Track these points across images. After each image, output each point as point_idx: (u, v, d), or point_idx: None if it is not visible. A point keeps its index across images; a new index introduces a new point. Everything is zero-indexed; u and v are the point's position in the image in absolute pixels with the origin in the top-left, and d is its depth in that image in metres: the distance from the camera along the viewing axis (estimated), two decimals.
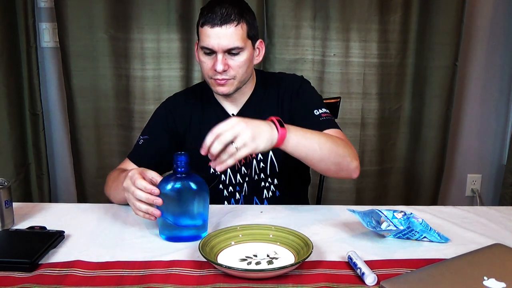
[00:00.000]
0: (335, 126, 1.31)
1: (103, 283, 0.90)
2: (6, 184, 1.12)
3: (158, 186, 1.05)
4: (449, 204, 1.44)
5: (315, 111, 1.32)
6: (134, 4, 2.21)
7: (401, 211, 1.10)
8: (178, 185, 1.05)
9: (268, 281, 0.90)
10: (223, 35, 1.22)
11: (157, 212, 1.03)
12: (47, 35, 2.37)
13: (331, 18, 2.26)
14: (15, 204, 1.17)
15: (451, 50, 2.31)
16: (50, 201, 2.44)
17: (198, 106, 1.41)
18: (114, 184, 1.28)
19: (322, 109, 1.33)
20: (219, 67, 1.24)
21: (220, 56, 1.24)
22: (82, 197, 2.39)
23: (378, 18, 2.27)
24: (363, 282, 0.90)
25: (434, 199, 2.51)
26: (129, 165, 1.37)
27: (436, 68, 2.34)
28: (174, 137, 1.41)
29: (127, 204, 1.11)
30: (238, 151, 1.00)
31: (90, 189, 2.37)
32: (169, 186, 1.04)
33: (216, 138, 0.99)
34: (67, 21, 2.19)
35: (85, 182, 2.37)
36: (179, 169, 1.05)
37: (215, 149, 0.99)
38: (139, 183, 1.04)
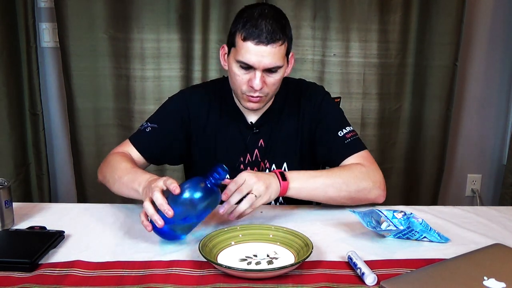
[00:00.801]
0: (360, 147, 1.31)
1: (103, 283, 0.90)
2: (6, 184, 1.12)
3: (184, 185, 1.03)
4: (449, 204, 1.44)
5: (339, 132, 1.32)
6: (134, 4, 2.21)
7: (401, 211, 1.10)
8: (202, 193, 1.03)
9: (268, 281, 0.90)
10: (267, 54, 1.18)
11: (161, 223, 1.00)
12: (47, 35, 2.37)
13: (331, 18, 2.26)
14: (15, 204, 1.17)
15: (451, 50, 2.31)
16: (50, 201, 2.44)
17: (215, 109, 1.37)
18: (109, 171, 1.25)
19: (346, 128, 1.33)
20: (258, 85, 1.20)
21: (259, 74, 1.20)
22: (82, 197, 2.39)
23: (378, 18, 2.27)
24: (363, 282, 0.90)
25: (434, 199, 2.51)
26: (130, 150, 1.34)
27: (436, 68, 2.34)
28: (184, 133, 1.36)
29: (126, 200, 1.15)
30: (256, 200, 1.09)
31: (90, 189, 2.37)
32: (198, 194, 1.02)
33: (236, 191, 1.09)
34: (67, 21, 2.19)
35: (85, 182, 2.37)
36: (214, 181, 1.03)
37: (235, 199, 1.09)
38: (156, 195, 1.01)
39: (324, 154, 1.36)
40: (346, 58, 2.32)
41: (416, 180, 2.49)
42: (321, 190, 1.20)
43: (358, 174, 1.23)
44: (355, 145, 1.31)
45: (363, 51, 2.31)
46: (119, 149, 1.36)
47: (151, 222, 1.03)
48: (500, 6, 2.45)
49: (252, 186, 1.09)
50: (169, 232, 1.04)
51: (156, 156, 1.37)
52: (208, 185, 1.04)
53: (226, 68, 1.30)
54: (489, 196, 2.73)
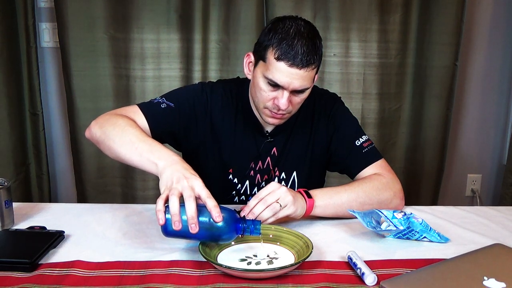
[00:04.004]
0: (377, 156, 1.31)
1: (103, 283, 0.90)
2: (6, 184, 1.12)
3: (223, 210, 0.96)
4: (449, 204, 1.44)
5: (356, 142, 1.31)
6: (134, 4, 2.21)
7: (401, 211, 1.10)
8: (230, 231, 0.97)
9: (268, 281, 0.90)
10: (299, 77, 1.15)
11: (179, 226, 0.93)
12: (47, 35, 2.37)
13: (331, 18, 2.26)
14: (15, 204, 1.17)
15: (451, 50, 2.31)
16: (50, 201, 2.44)
17: (231, 111, 1.33)
18: (116, 131, 1.15)
19: (362, 137, 1.33)
20: (284, 105, 1.17)
21: (286, 94, 1.17)
22: (82, 197, 2.39)
23: (378, 18, 2.27)
24: (363, 282, 0.90)
25: (434, 199, 2.51)
26: (138, 118, 1.24)
27: (436, 68, 2.34)
28: (196, 124, 1.31)
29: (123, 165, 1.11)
30: (280, 211, 1.07)
31: (90, 189, 2.37)
32: (226, 229, 0.96)
33: (260, 201, 1.06)
34: (67, 21, 2.19)
35: (85, 182, 2.37)
36: (246, 228, 0.97)
37: (258, 210, 1.05)
38: (191, 206, 0.93)
39: (340, 164, 1.35)
40: (346, 58, 2.32)
41: (416, 180, 2.49)
42: (346, 206, 1.17)
43: (379, 186, 1.23)
44: (372, 155, 1.31)
45: (363, 51, 2.31)
46: (123, 112, 1.26)
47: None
48: (500, 6, 2.45)
49: (280, 195, 1.07)
50: (169, 233, 1.00)
51: (162, 134, 1.28)
52: (240, 230, 0.97)
53: (250, 77, 1.27)
54: (489, 196, 2.73)
